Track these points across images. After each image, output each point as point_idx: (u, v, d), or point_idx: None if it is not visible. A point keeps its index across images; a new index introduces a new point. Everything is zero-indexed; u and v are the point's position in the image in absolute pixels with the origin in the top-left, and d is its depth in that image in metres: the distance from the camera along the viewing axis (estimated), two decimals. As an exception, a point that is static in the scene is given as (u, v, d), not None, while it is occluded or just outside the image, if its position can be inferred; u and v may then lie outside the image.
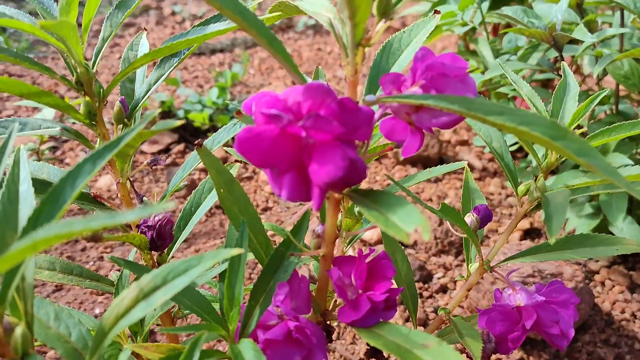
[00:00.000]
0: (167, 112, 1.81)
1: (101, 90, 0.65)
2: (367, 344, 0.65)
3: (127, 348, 0.60)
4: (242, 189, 0.64)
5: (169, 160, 1.66)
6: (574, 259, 0.64)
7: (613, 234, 1.03)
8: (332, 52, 2.38)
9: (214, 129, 1.81)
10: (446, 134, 1.74)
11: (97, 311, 1.21)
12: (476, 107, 0.47)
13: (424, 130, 0.55)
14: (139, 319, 0.47)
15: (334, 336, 1.15)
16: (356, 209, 0.79)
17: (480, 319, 0.68)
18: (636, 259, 1.26)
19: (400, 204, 0.48)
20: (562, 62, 0.74)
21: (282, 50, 0.52)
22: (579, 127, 0.74)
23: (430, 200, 1.49)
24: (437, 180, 1.57)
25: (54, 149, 1.74)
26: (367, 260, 0.62)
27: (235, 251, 0.51)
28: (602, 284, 1.22)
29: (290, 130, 0.48)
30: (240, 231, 0.61)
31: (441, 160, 1.64)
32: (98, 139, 0.68)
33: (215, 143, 0.73)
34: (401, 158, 1.60)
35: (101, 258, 1.37)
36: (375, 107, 0.55)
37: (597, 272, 1.24)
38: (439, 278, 1.24)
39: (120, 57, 2.39)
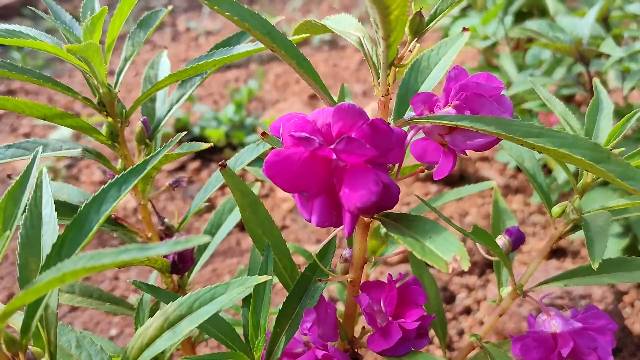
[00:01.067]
0: (183, 129, 1.80)
1: (123, 110, 0.63)
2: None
3: (149, 376, 0.58)
4: (266, 211, 0.62)
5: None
6: (610, 283, 0.62)
7: (644, 254, 1.00)
8: (348, 67, 2.37)
9: (230, 145, 1.80)
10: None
11: (113, 332, 1.19)
12: (514, 128, 0.45)
13: (457, 152, 0.54)
14: (164, 349, 0.45)
15: (355, 358, 1.13)
16: (383, 231, 0.77)
17: (513, 346, 0.65)
18: (665, 278, 1.22)
19: (436, 230, 0.46)
20: (594, 78, 0.72)
21: (312, 71, 0.50)
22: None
23: (452, 217, 1.47)
24: (459, 198, 1.54)
25: (69, 167, 1.74)
26: (397, 285, 0.60)
27: (263, 278, 0.49)
28: (632, 305, 1.18)
29: (321, 153, 0.47)
30: (265, 255, 0.59)
31: (462, 177, 1.62)
32: (120, 160, 0.67)
33: (238, 163, 0.71)
34: (421, 175, 1.57)
35: (116, 278, 1.36)
36: (406, 128, 0.53)
37: (626, 293, 1.20)
38: (462, 299, 1.21)
39: (136, 75, 2.40)
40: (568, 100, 1.42)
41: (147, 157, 0.47)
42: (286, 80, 2.26)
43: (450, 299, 1.21)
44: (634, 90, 1.37)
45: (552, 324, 0.64)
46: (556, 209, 0.63)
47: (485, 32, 1.24)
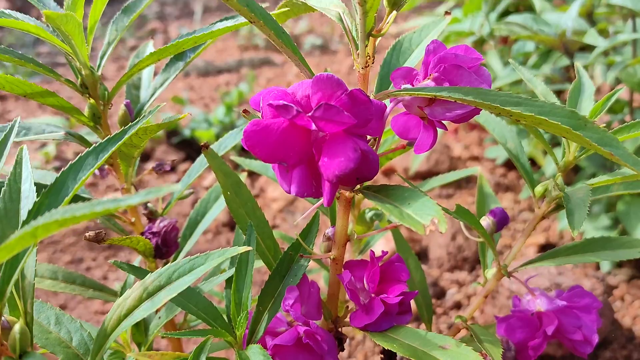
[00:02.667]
0: (173, 131, 1.80)
1: (106, 92, 0.63)
2: (381, 353, 0.62)
3: (130, 356, 0.58)
4: (249, 192, 0.62)
5: (175, 178, 1.64)
6: (594, 261, 0.61)
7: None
8: (339, 71, 2.38)
9: (221, 148, 1.79)
10: (456, 150, 1.72)
11: (102, 330, 1.18)
12: (492, 97, 0.46)
13: (437, 129, 0.54)
14: (142, 318, 0.45)
15: (346, 354, 1.12)
16: (368, 216, 0.77)
17: (498, 327, 0.65)
18: (655, 273, 1.22)
19: (414, 196, 0.46)
20: (576, 63, 0.72)
21: (290, 43, 0.51)
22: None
23: (441, 215, 1.46)
24: (449, 196, 1.54)
25: (58, 169, 1.73)
26: (380, 263, 0.60)
27: (243, 249, 0.49)
28: (622, 298, 1.18)
29: (300, 123, 0.47)
30: (248, 234, 0.59)
31: (451, 176, 1.62)
32: (103, 143, 0.67)
33: (222, 148, 0.71)
34: (411, 174, 1.57)
35: (105, 277, 1.35)
36: (387, 102, 0.53)
37: (616, 287, 1.20)
38: (452, 295, 1.21)
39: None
40: (556, 97, 1.43)
41: (125, 127, 0.47)
42: (277, 84, 2.27)
43: (441, 294, 1.21)
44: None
45: (537, 303, 0.64)
46: (539, 188, 0.64)
47: (472, 28, 1.25)
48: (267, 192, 1.58)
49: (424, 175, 1.59)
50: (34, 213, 0.42)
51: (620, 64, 0.97)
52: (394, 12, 0.49)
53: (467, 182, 1.62)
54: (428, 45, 0.52)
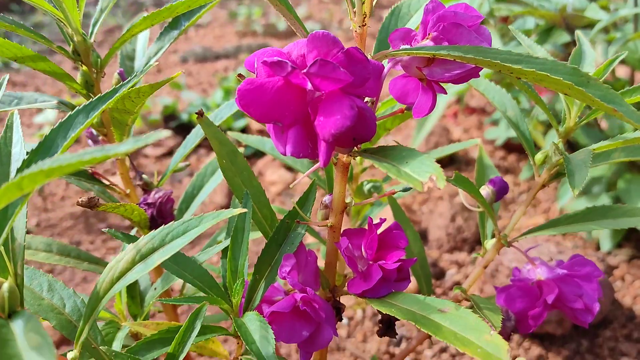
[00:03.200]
0: (171, 116, 1.79)
1: (99, 60, 0.62)
2: (380, 322, 0.61)
3: (125, 325, 0.57)
4: (245, 161, 0.61)
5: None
6: (595, 229, 0.61)
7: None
8: (337, 58, 2.37)
9: (219, 132, 1.78)
10: (456, 133, 1.71)
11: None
12: (492, 55, 0.45)
13: (436, 92, 0.52)
14: (135, 280, 0.44)
15: (345, 334, 1.11)
16: (366, 188, 0.76)
17: (498, 297, 0.64)
18: (656, 253, 1.22)
19: (412, 155, 0.45)
20: (578, 32, 0.71)
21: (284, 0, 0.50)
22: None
23: (441, 198, 1.46)
24: (447, 177, 1.53)
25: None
26: (378, 231, 0.59)
27: (238, 211, 0.48)
28: (622, 278, 1.17)
29: (295, 81, 0.46)
30: (244, 202, 0.58)
31: (451, 159, 1.61)
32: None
33: (217, 119, 0.70)
34: (410, 156, 1.56)
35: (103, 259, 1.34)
36: (385, 64, 0.52)
37: (617, 267, 1.20)
38: (452, 275, 1.20)
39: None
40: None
41: (116, 86, 0.46)
42: (276, 71, 2.26)
43: (440, 274, 1.20)
44: (623, 67, 1.37)
45: (537, 272, 0.63)
46: (539, 156, 0.63)
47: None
48: (266, 175, 1.57)
49: (423, 158, 1.58)
50: (21, 171, 0.41)
51: (621, 39, 0.96)
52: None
53: (466, 165, 1.61)
54: (427, 4, 0.51)
